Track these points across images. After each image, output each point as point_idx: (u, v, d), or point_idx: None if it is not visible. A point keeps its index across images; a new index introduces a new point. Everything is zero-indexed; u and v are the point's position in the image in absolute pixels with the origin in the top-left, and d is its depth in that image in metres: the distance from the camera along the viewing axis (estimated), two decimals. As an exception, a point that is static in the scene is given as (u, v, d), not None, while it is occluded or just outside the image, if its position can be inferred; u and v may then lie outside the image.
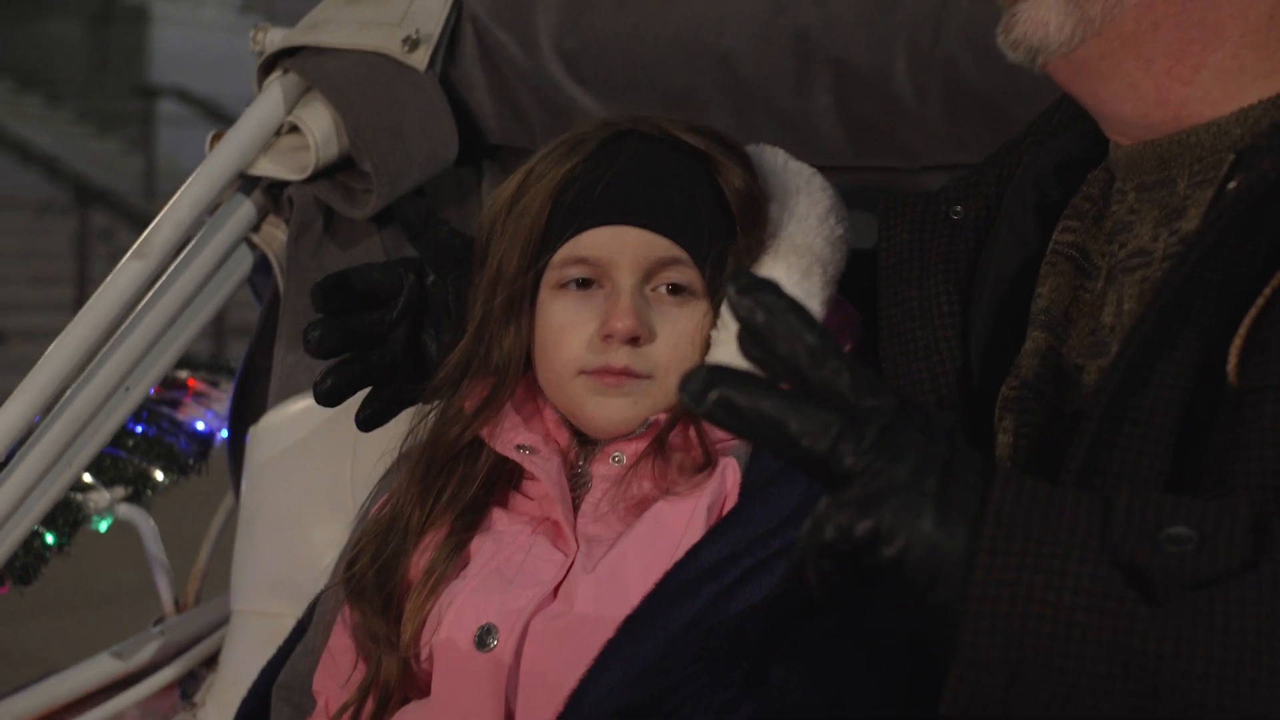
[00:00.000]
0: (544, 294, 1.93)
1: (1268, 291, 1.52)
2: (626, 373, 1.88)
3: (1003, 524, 1.29)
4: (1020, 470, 1.63)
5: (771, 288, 1.28)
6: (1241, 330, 1.51)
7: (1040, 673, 1.28)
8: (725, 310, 1.89)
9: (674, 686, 1.69)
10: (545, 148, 1.98)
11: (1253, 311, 1.51)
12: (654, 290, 1.90)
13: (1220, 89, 1.65)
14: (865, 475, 1.28)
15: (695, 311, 1.90)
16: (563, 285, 1.91)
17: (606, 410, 1.89)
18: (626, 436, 1.90)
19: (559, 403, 1.93)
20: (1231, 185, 1.58)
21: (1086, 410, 1.62)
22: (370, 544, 1.95)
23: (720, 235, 1.91)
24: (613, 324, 1.88)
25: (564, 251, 1.91)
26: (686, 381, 1.26)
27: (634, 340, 1.88)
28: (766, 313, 1.27)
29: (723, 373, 1.26)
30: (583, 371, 1.89)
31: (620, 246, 1.89)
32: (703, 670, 1.69)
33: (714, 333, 1.89)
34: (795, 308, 1.28)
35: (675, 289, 1.90)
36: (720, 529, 1.80)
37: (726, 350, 1.86)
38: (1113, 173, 1.74)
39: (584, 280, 1.90)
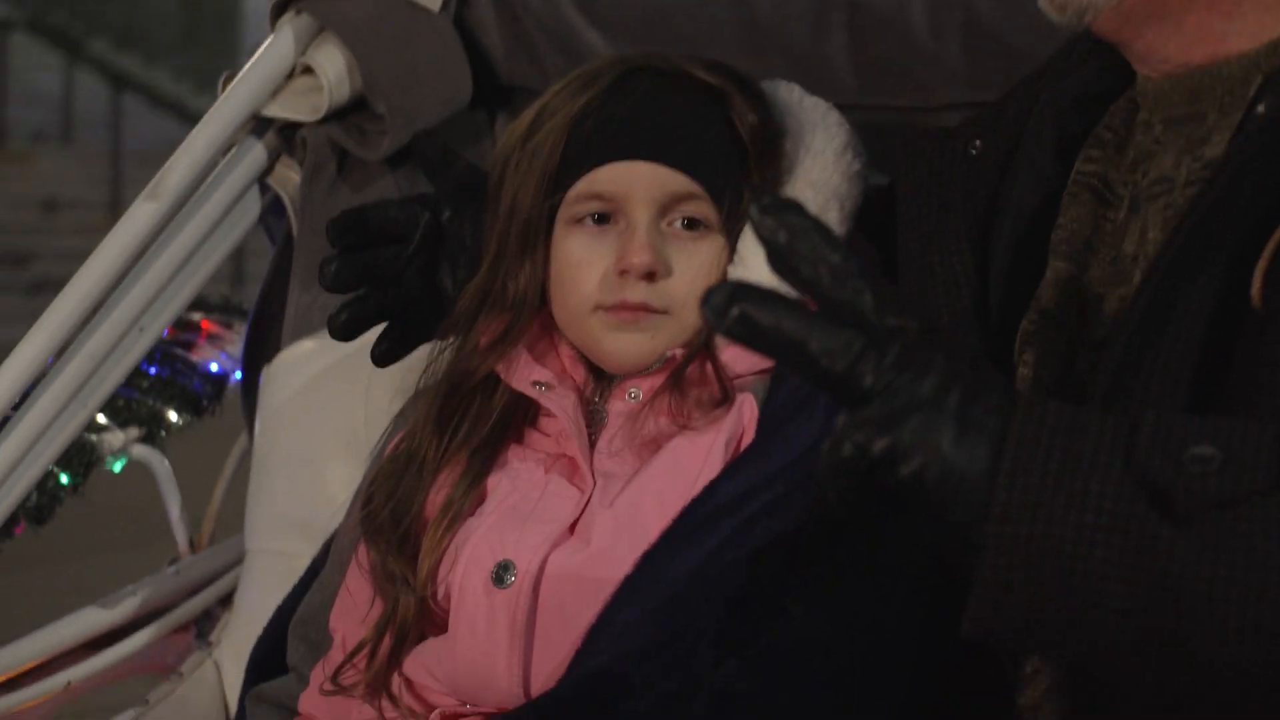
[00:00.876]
0: (559, 229, 1.92)
1: None
2: (643, 308, 1.88)
3: (1025, 444, 1.29)
4: (1044, 395, 1.64)
5: (795, 208, 1.27)
6: (1266, 253, 1.50)
7: (1062, 593, 1.28)
8: (741, 246, 1.89)
9: (691, 621, 1.70)
10: (558, 83, 1.98)
11: (1277, 235, 1.50)
12: (670, 225, 1.90)
13: (1256, 21, 1.64)
14: (885, 393, 1.28)
15: (712, 246, 1.90)
16: (578, 221, 1.91)
17: (623, 345, 1.89)
18: (643, 372, 1.90)
19: (575, 339, 1.93)
20: (1260, 109, 1.58)
21: (1109, 338, 1.61)
22: (385, 482, 1.95)
23: (735, 171, 1.91)
24: (629, 259, 1.87)
25: (579, 187, 1.90)
26: (708, 297, 1.26)
27: (650, 275, 1.87)
28: (790, 232, 1.27)
29: (745, 289, 1.26)
30: (599, 307, 1.89)
31: (635, 181, 1.89)
32: (720, 605, 1.70)
33: (730, 268, 1.89)
34: (819, 228, 1.28)
35: (691, 223, 1.90)
36: (737, 465, 1.80)
37: (761, 260, 1.85)
38: (1137, 103, 1.74)
39: (599, 215, 1.90)
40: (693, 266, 1.89)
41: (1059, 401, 1.33)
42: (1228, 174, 1.53)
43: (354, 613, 1.96)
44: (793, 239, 1.27)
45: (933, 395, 1.29)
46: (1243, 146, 1.55)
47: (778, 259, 1.28)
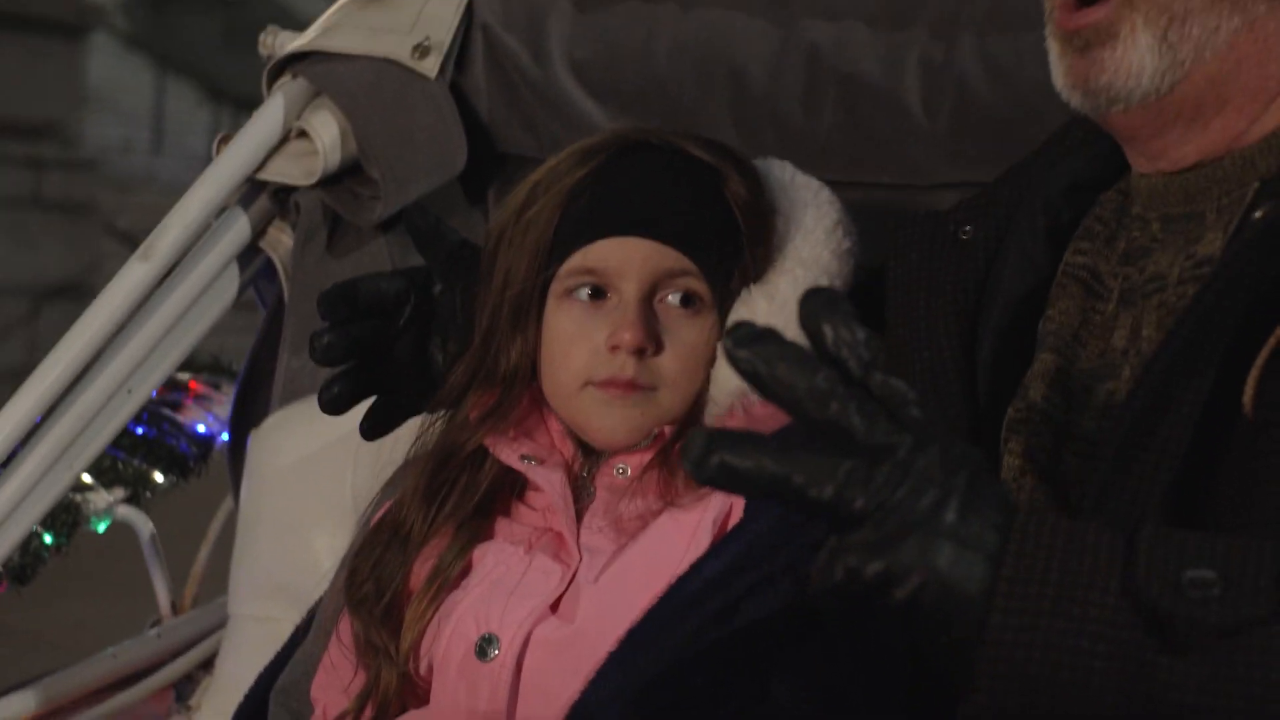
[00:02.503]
0: (551, 304, 1.92)
1: None
2: (632, 385, 1.88)
3: (1022, 562, 1.27)
4: (1041, 505, 1.63)
5: (767, 337, 1.25)
6: (1258, 364, 1.49)
7: (1057, 717, 1.27)
8: (748, 294, 1.89)
9: (675, 700, 1.69)
10: (554, 158, 1.98)
11: (1271, 341, 1.49)
12: (662, 302, 1.90)
13: (1271, 119, 1.63)
14: (877, 514, 1.26)
15: (704, 323, 1.90)
16: (570, 295, 1.91)
17: (612, 421, 1.89)
18: (631, 448, 1.90)
19: (564, 414, 1.93)
20: (1257, 215, 1.57)
21: (1099, 435, 1.61)
22: (370, 552, 1.95)
23: (728, 248, 1.91)
24: (620, 335, 1.87)
25: (572, 262, 1.90)
26: (686, 450, 1.25)
27: (640, 352, 1.87)
28: (765, 363, 1.25)
29: (720, 436, 1.24)
30: (589, 383, 1.89)
31: (628, 258, 1.89)
32: (705, 684, 1.69)
33: (740, 312, 1.89)
34: (793, 354, 1.25)
35: (683, 300, 1.90)
36: (725, 543, 1.79)
37: None
38: (1128, 195, 1.74)
39: (592, 291, 1.90)
40: (684, 343, 1.89)
41: (1057, 516, 1.32)
42: (1224, 279, 1.53)
43: (336, 683, 1.95)
44: (770, 368, 1.25)
45: (928, 513, 1.26)
46: (1239, 252, 1.54)
47: (761, 390, 1.26)
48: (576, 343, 1.89)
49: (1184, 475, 1.52)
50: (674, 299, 1.90)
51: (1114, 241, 1.72)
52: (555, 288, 1.92)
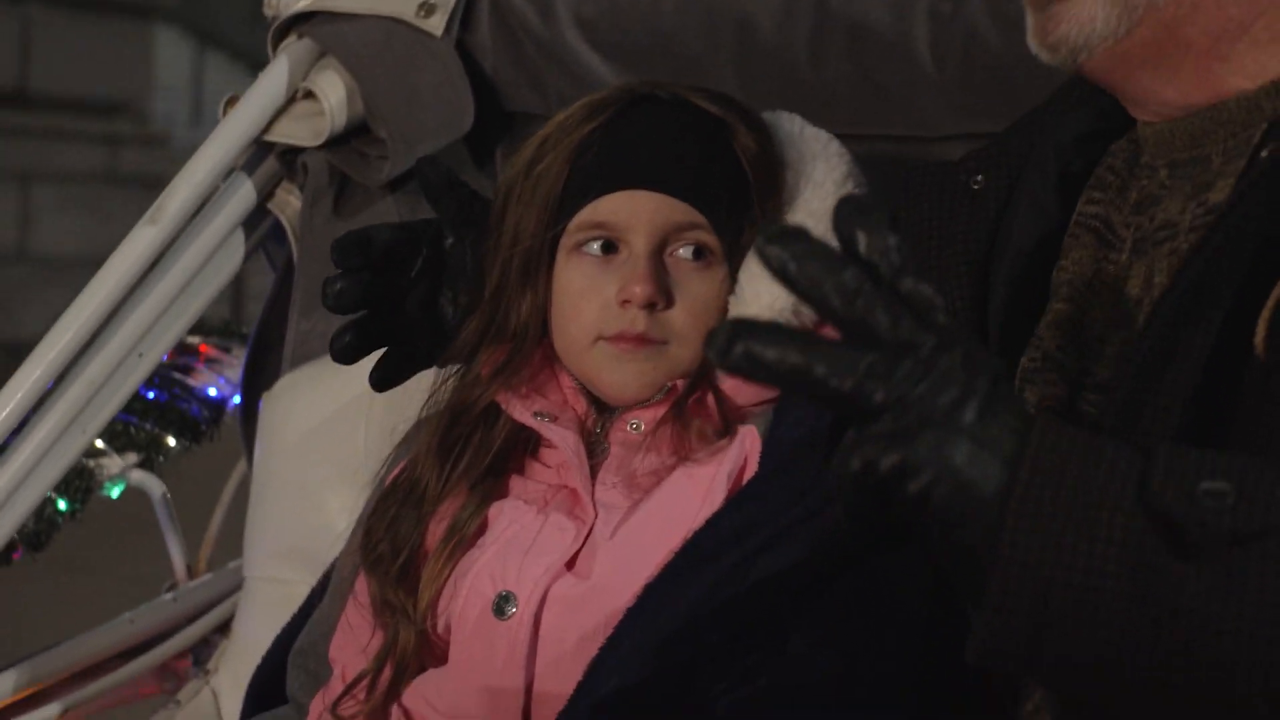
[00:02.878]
0: (560, 259, 1.92)
1: None
2: (643, 339, 1.87)
3: (1039, 467, 1.28)
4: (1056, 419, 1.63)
5: (798, 234, 1.27)
6: (1270, 303, 1.49)
7: (1068, 624, 1.28)
8: (741, 277, 1.89)
9: (693, 654, 1.69)
10: (562, 113, 1.97)
11: None
12: (672, 255, 1.89)
13: (1254, 61, 1.63)
14: (896, 408, 1.27)
15: (714, 277, 1.89)
16: (579, 250, 1.91)
17: (623, 376, 1.89)
18: (644, 403, 1.90)
19: (576, 369, 1.92)
20: (1264, 154, 1.56)
21: (1111, 381, 1.61)
22: (385, 512, 1.95)
23: (738, 201, 1.90)
24: (630, 289, 1.87)
25: (581, 216, 1.90)
26: (711, 339, 1.25)
27: (650, 306, 1.87)
28: (795, 260, 1.26)
29: (745, 325, 1.26)
30: (600, 337, 1.88)
31: (638, 211, 1.88)
32: (722, 638, 1.69)
33: (731, 298, 1.88)
34: (822, 251, 1.27)
35: (694, 254, 1.89)
36: (740, 497, 1.80)
37: (768, 287, 1.86)
38: (1139, 145, 1.73)
39: (602, 245, 1.90)
40: (694, 297, 1.89)
41: (1075, 428, 1.32)
42: (1232, 220, 1.53)
43: (353, 643, 1.95)
44: (800, 265, 1.26)
45: (947, 410, 1.27)
46: (1246, 193, 1.54)
47: (790, 286, 1.27)
48: (587, 297, 1.89)
49: (1194, 417, 1.52)
50: (684, 252, 1.89)
51: (1126, 191, 1.71)
52: (565, 242, 1.91)
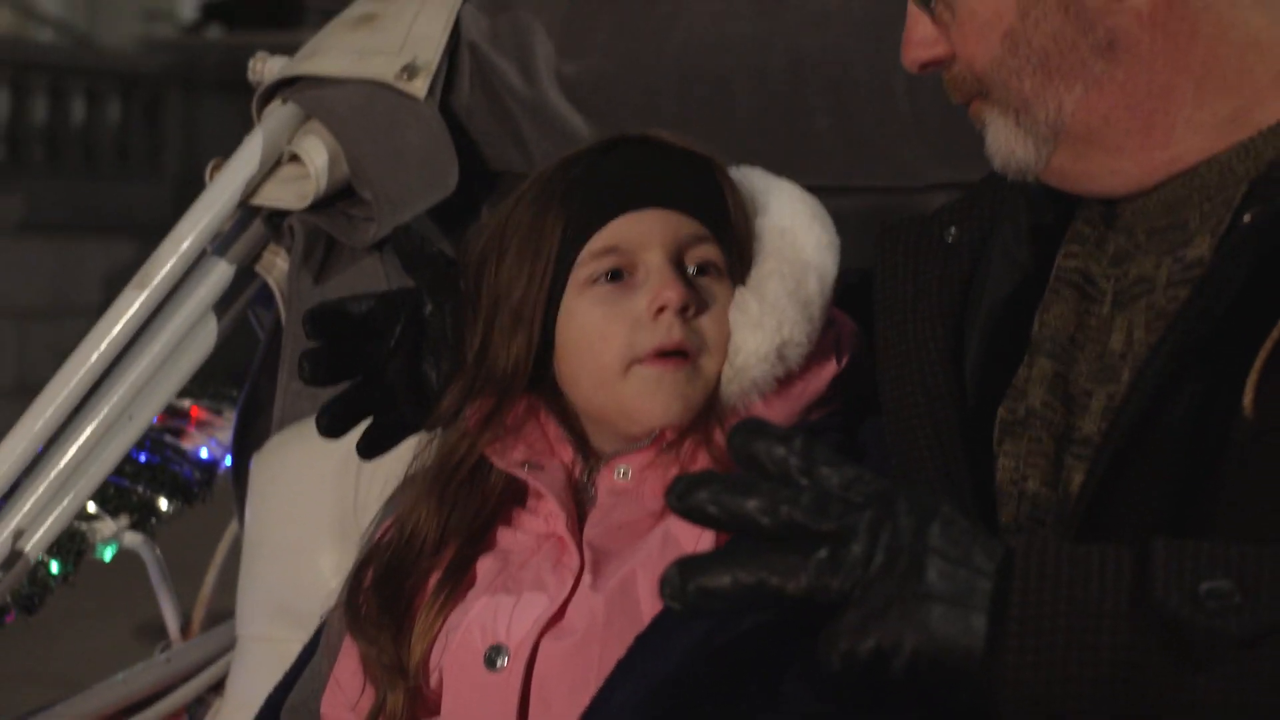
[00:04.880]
0: (571, 297, 1.91)
1: None
2: (681, 349, 1.87)
3: (1029, 601, 1.29)
4: (1036, 535, 1.64)
5: (704, 479, 1.30)
6: (1258, 363, 1.50)
7: None
8: (740, 294, 1.91)
9: (688, 703, 1.70)
10: (534, 173, 2.00)
11: (1269, 344, 1.50)
12: (688, 269, 1.91)
13: (1203, 137, 1.65)
14: (857, 593, 1.29)
15: (727, 290, 1.91)
16: (591, 285, 1.91)
17: (665, 398, 1.87)
18: (631, 449, 1.91)
19: (602, 403, 1.91)
20: (1246, 218, 1.57)
21: (1096, 436, 1.62)
22: (374, 570, 1.95)
23: (733, 228, 1.93)
24: (664, 295, 1.87)
25: (592, 246, 1.90)
26: (663, 585, 1.30)
27: (685, 309, 1.88)
28: (711, 501, 1.29)
29: (690, 564, 1.29)
30: (634, 361, 1.88)
31: (649, 229, 1.90)
32: (716, 687, 1.70)
33: (733, 315, 1.90)
34: (732, 483, 1.30)
35: (709, 266, 1.91)
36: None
37: (751, 335, 1.88)
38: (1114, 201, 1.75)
39: (614, 273, 1.90)
40: (718, 306, 1.90)
41: (1055, 544, 1.33)
42: (1215, 282, 1.54)
43: (343, 701, 1.96)
44: (718, 505, 1.29)
45: (907, 578, 1.29)
46: (1230, 256, 1.55)
47: (716, 526, 1.31)
48: (612, 323, 1.89)
49: (1182, 478, 1.53)
50: (699, 265, 1.91)
51: (1104, 244, 1.73)
52: (576, 277, 1.91)
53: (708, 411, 1.89)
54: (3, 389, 9.86)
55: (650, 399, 1.88)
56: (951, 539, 1.31)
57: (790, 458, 1.31)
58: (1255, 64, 1.64)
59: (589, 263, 1.90)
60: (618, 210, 1.90)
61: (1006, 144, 1.70)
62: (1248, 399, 1.51)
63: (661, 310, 1.87)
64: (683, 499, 1.30)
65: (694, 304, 1.88)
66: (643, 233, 1.90)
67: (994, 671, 1.29)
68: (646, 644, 1.75)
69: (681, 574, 1.29)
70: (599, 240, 1.90)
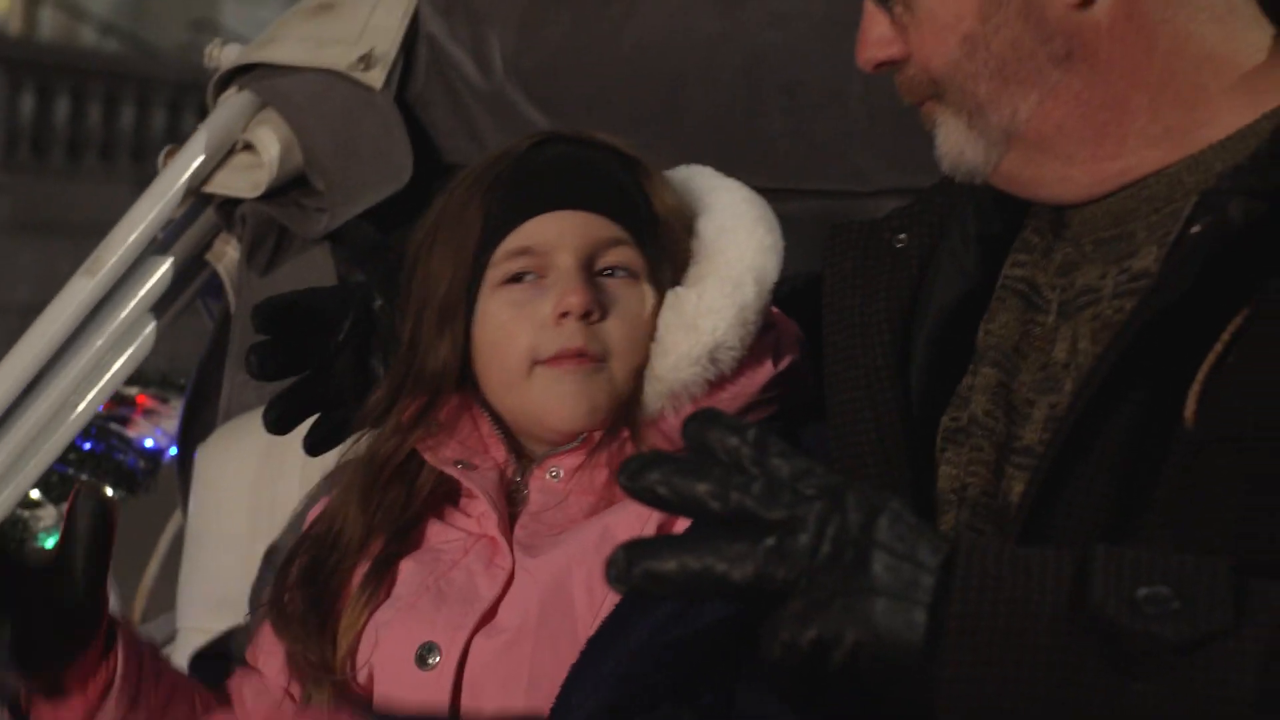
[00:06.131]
0: (485, 297, 1.91)
1: (1226, 336, 1.51)
2: (582, 353, 1.86)
3: (969, 599, 1.29)
4: (980, 530, 1.64)
5: (656, 460, 1.30)
6: (1200, 375, 1.50)
7: None
8: (660, 326, 1.89)
9: (641, 700, 1.68)
10: (466, 169, 1.99)
11: (1211, 356, 1.50)
12: (600, 271, 1.90)
13: (1155, 150, 1.65)
14: (802, 583, 1.28)
15: (642, 294, 1.90)
16: (504, 285, 1.90)
17: (565, 397, 1.87)
18: (561, 450, 1.90)
19: (514, 405, 1.91)
20: (1195, 229, 1.57)
21: (1037, 446, 1.61)
22: (299, 565, 1.93)
23: (656, 228, 1.92)
24: (566, 300, 1.86)
25: (505, 245, 1.90)
26: (610, 566, 1.29)
27: (587, 315, 1.87)
28: (662, 482, 1.29)
29: (639, 546, 1.29)
30: (537, 361, 1.88)
31: (562, 230, 1.89)
32: (669, 683, 1.68)
33: (653, 345, 1.89)
34: (684, 465, 1.29)
35: (621, 269, 1.90)
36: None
37: (684, 336, 1.87)
38: (1062, 211, 1.74)
39: (527, 273, 1.90)
40: (628, 310, 1.89)
41: (997, 544, 1.34)
42: (1162, 293, 1.53)
43: (268, 699, 1.94)
44: (669, 485, 1.29)
45: (853, 570, 1.28)
46: (1177, 266, 1.54)
47: (665, 507, 1.30)
48: (518, 322, 1.89)
49: (1121, 487, 1.53)
50: (612, 267, 1.90)
51: (1051, 253, 1.72)
52: (490, 277, 1.91)
53: (635, 412, 1.88)
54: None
55: (554, 400, 1.88)
56: (898, 534, 1.30)
57: (743, 447, 1.30)
58: (1209, 78, 1.64)
59: (502, 263, 1.90)
60: (532, 211, 1.90)
61: (957, 145, 1.70)
62: (1189, 410, 1.51)
63: (565, 315, 1.86)
64: (634, 479, 1.29)
65: (598, 310, 1.87)
66: (556, 233, 1.89)
67: (932, 667, 1.29)
68: (598, 646, 1.74)
69: (628, 556, 1.28)
70: (512, 240, 1.90)
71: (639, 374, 1.89)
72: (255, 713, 1.94)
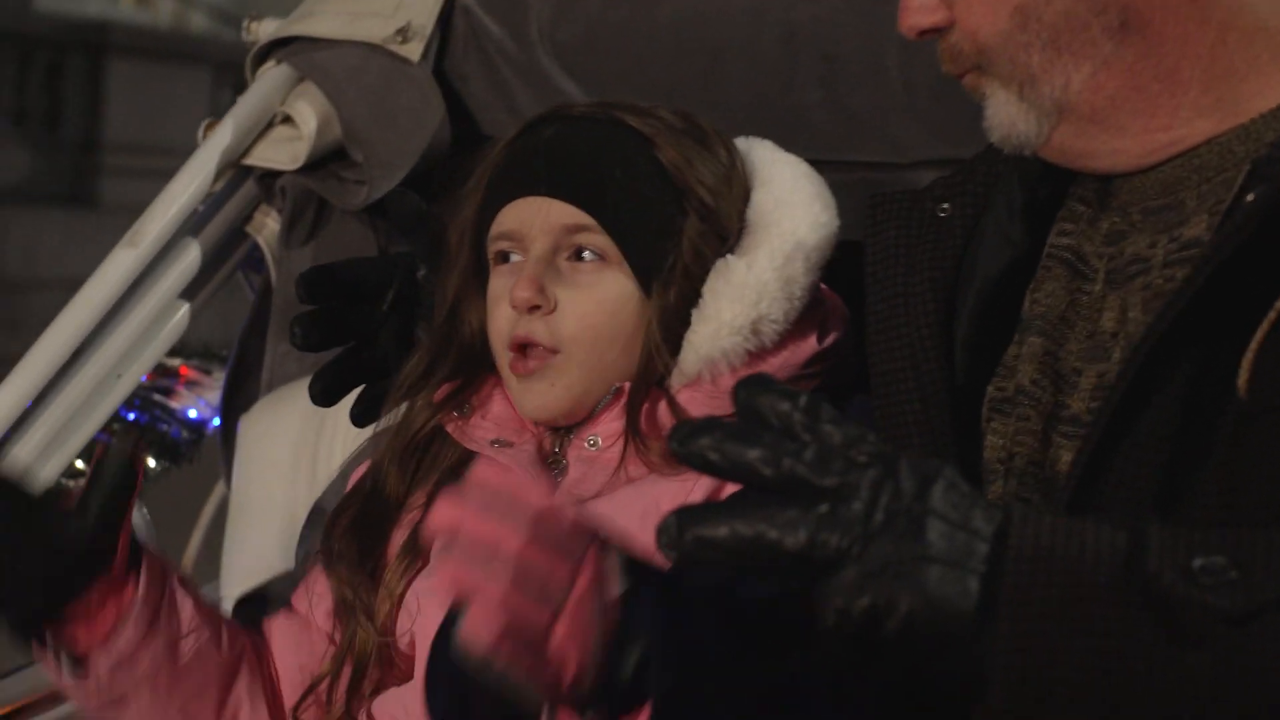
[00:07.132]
0: (490, 272, 1.96)
1: (1279, 305, 1.51)
2: (528, 341, 1.89)
3: (1022, 569, 1.27)
4: (1032, 500, 1.64)
5: (708, 425, 1.28)
6: (1254, 345, 1.50)
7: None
8: (706, 292, 1.90)
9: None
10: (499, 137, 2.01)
11: (1265, 325, 1.50)
12: (563, 259, 1.92)
13: (1205, 120, 1.65)
14: (855, 551, 1.26)
15: (609, 280, 1.91)
16: (497, 262, 1.95)
17: (527, 395, 1.91)
18: (595, 417, 1.91)
19: (507, 382, 1.94)
20: (1249, 198, 1.57)
21: (1086, 417, 1.62)
22: (349, 513, 1.96)
23: (651, 209, 1.92)
24: (514, 293, 1.90)
25: (493, 228, 1.95)
26: (661, 533, 1.27)
27: (533, 309, 1.89)
28: (714, 448, 1.27)
29: (688, 514, 1.27)
30: (506, 346, 1.91)
31: (530, 217, 1.92)
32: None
33: (695, 312, 1.90)
34: (736, 431, 1.28)
35: (583, 255, 1.91)
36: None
37: (729, 305, 1.88)
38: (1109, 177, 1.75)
39: (508, 255, 1.93)
40: (586, 300, 1.90)
41: (1051, 515, 1.32)
42: (1215, 262, 1.53)
43: (306, 646, 1.97)
44: (720, 451, 1.28)
45: (907, 538, 1.27)
46: (1230, 236, 1.54)
47: (716, 473, 1.29)
48: (498, 305, 1.93)
49: (1171, 457, 1.53)
50: (573, 254, 1.91)
51: (1097, 222, 1.72)
52: (490, 256, 1.95)
53: (654, 374, 1.90)
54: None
55: (516, 391, 1.92)
56: (952, 502, 1.29)
57: (795, 413, 1.28)
58: (1261, 50, 1.64)
59: (492, 243, 1.95)
60: (511, 195, 1.93)
61: (1008, 118, 1.69)
62: (1242, 379, 1.50)
63: (516, 307, 1.90)
64: (684, 443, 1.28)
65: (543, 301, 1.89)
66: (526, 220, 1.92)
67: (984, 637, 1.27)
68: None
69: (679, 523, 1.26)
70: (495, 224, 1.94)
71: (616, 354, 1.90)
72: (283, 650, 1.98)
